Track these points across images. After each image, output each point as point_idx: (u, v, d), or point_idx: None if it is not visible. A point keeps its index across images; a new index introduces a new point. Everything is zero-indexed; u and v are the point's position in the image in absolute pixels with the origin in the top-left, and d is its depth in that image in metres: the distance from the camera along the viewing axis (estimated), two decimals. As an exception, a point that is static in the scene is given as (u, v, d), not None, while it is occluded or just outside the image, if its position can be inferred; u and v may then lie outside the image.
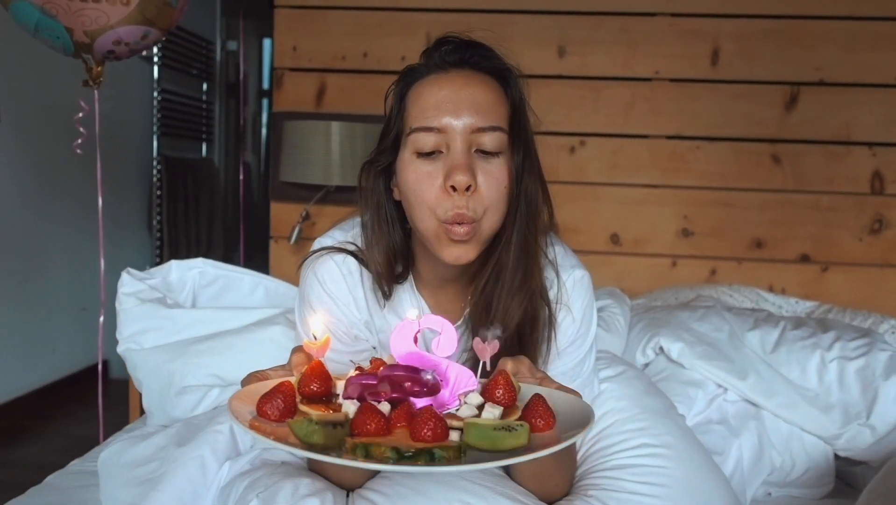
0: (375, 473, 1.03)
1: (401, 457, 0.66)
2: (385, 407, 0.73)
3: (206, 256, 4.26)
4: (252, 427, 0.70)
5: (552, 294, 1.04)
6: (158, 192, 3.88)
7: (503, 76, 1.00)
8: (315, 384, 0.76)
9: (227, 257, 4.49)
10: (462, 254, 0.95)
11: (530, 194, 0.99)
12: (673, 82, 2.40)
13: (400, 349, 0.78)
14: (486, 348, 0.78)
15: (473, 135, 0.94)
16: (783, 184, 2.38)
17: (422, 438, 0.68)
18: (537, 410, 0.74)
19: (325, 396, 0.77)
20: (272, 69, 2.65)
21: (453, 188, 0.92)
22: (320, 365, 0.77)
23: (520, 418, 0.74)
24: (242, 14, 4.32)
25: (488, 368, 0.79)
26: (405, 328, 0.78)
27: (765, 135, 2.38)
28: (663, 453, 1.09)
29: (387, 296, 1.04)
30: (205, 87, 4.55)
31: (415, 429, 0.68)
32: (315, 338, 0.80)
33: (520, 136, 0.98)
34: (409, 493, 0.96)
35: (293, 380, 0.78)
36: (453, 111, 0.94)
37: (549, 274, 1.05)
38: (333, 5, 2.48)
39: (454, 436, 0.70)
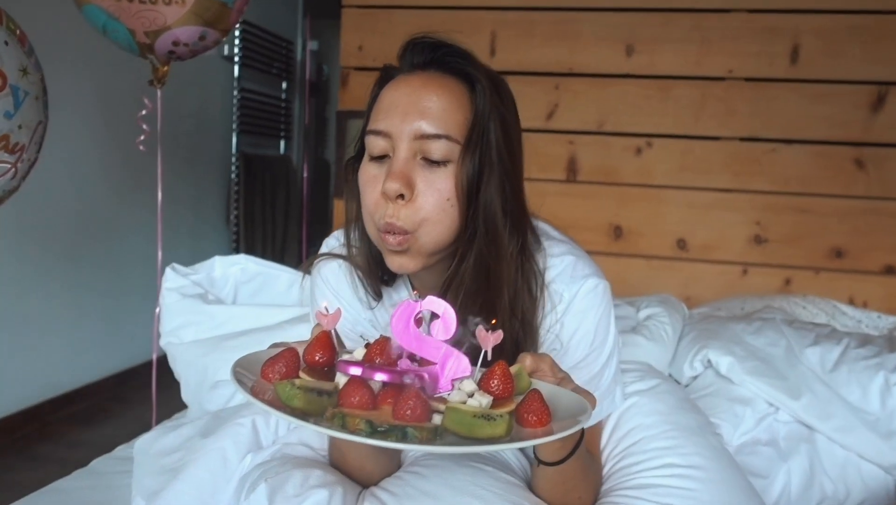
0: (393, 468, 1.01)
1: (373, 431, 0.66)
2: (377, 384, 0.73)
3: (282, 251, 4.39)
4: (252, 392, 0.71)
5: (560, 308, 1.00)
6: (236, 188, 4.01)
7: (470, 81, 0.95)
8: (319, 354, 0.76)
9: (302, 253, 4.59)
10: (404, 263, 0.92)
11: (490, 210, 0.92)
12: (748, 81, 2.29)
13: (399, 330, 0.76)
14: (489, 338, 0.75)
15: (419, 141, 0.90)
16: (867, 190, 2.23)
17: (402, 417, 0.68)
18: (531, 406, 0.72)
19: (329, 367, 0.77)
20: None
21: (386, 195, 0.89)
22: (326, 336, 0.77)
23: (513, 412, 0.72)
24: (320, 14, 4.40)
25: (489, 357, 0.77)
26: (406, 310, 0.76)
27: (848, 138, 2.23)
28: (691, 474, 1.03)
29: (375, 297, 1.03)
30: (284, 85, 4.67)
31: (397, 407, 0.68)
32: (327, 310, 0.79)
33: (476, 147, 0.91)
34: (417, 494, 0.94)
35: (300, 349, 0.79)
36: (402, 115, 0.90)
37: (557, 287, 1.00)
38: (398, 5, 2.49)
39: (438, 419, 0.70)
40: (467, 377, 0.74)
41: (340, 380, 0.73)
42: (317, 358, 0.76)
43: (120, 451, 1.45)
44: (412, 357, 0.76)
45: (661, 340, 1.50)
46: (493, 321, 0.78)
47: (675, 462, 1.04)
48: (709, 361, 1.44)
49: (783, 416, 1.35)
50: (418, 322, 0.76)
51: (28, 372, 2.89)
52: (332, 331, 0.78)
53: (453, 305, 0.91)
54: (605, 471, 1.08)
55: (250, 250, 3.96)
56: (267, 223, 4.20)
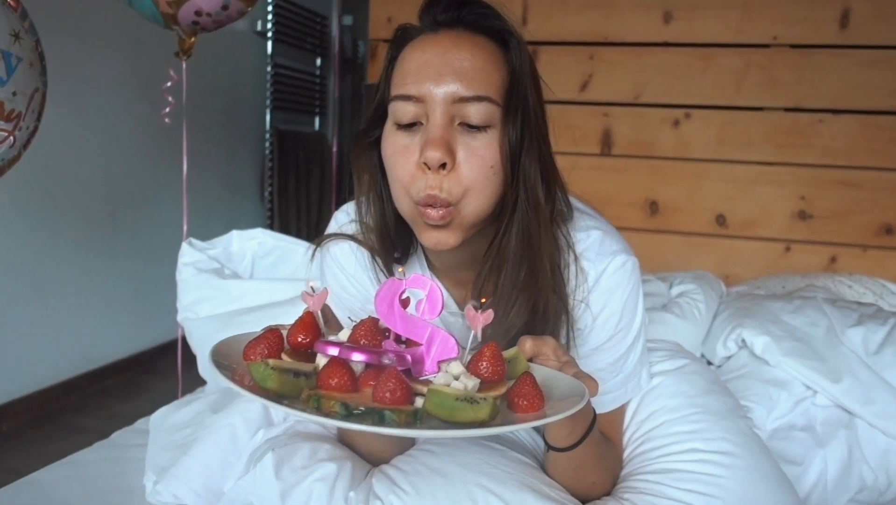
0: (404, 449, 0.98)
1: (349, 414, 0.63)
2: (359, 366, 0.69)
3: (317, 227, 4.39)
4: (233, 373, 0.69)
5: (587, 286, 0.93)
6: (270, 164, 4.00)
7: (502, 38, 0.88)
8: (302, 335, 0.73)
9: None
10: (442, 239, 0.85)
11: (531, 176, 0.86)
12: (794, 48, 2.18)
13: (383, 310, 0.72)
14: (479, 318, 0.71)
15: (456, 105, 0.82)
16: (921, 163, 2.11)
17: (381, 399, 0.64)
18: (522, 390, 0.68)
19: (312, 349, 0.73)
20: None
21: (427, 165, 0.82)
22: (310, 317, 0.74)
23: (504, 396, 0.68)
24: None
25: (479, 339, 0.72)
26: (390, 288, 0.72)
27: (901, 107, 2.11)
28: (716, 460, 0.97)
29: (387, 274, 0.98)
30: (318, 62, 4.63)
31: (377, 389, 0.65)
32: (313, 290, 0.76)
33: (517, 109, 0.85)
34: (427, 471, 0.91)
35: (283, 331, 0.76)
36: (434, 77, 0.82)
37: (582, 264, 0.94)
38: (428, -27, 2.42)
39: (420, 402, 0.66)
40: (454, 359, 0.69)
41: (321, 361, 0.69)
42: (299, 339, 0.72)
43: (140, 423, 1.45)
44: (398, 338, 0.72)
45: (692, 318, 1.43)
46: (484, 300, 0.73)
47: (700, 447, 0.99)
48: (743, 341, 1.37)
49: (821, 400, 1.27)
50: (405, 302, 0.71)
51: (64, 345, 2.94)
52: (318, 312, 0.74)
53: (496, 281, 0.86)
54: (625, 454, 1.03)
55: (284, 226, 3.97)
56: (301, 199, 4.19)
